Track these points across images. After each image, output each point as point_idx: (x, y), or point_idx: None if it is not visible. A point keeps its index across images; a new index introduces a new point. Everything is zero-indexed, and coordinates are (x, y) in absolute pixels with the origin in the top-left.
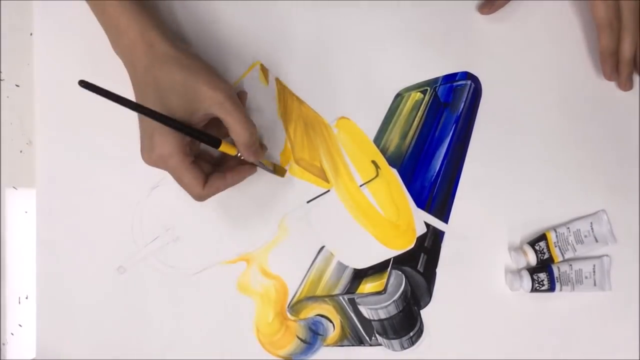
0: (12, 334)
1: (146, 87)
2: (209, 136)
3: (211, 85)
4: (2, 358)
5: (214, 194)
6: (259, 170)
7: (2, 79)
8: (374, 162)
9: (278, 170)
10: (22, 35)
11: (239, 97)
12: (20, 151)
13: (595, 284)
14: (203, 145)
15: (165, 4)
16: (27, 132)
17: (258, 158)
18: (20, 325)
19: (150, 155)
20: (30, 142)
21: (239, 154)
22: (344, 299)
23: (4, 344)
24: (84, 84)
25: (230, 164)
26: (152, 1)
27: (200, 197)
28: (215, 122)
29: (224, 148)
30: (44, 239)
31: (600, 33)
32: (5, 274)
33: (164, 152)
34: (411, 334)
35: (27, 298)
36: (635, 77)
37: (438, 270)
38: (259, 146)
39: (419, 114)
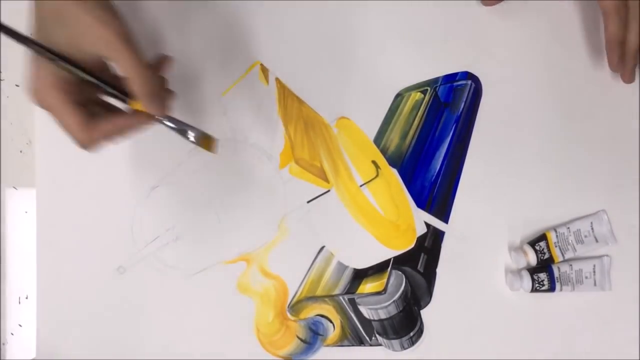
0: (12, 334)
1: (40, 21)
2: (117, 87)
3: (103, 22)
4: (2, 358)
5: (100, 140)
6: (260, 170)
7: (2, 79)
8: (374, 162)
9: (203, 141)
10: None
11: (161, 61)
12: (20, 151)
13: (595, 284)
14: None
15: (165, 4)
16: (27, 132)
17: (160, 110)
18: (20, 325)
19: (31, 86)
20: (30, 142)
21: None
22: (344, 299)
23: (4, 344)
24: None
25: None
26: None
27: (84, 143)
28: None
29: (134, 105)
30: (44, 239)
31: (607, 20)
32: (5, 274)
33: (37, 87)
34: (411, 334)
35: (27, 298)
36: (635, 83)
37: (438, 270)
38: (162, 95)
39: (419, 114)
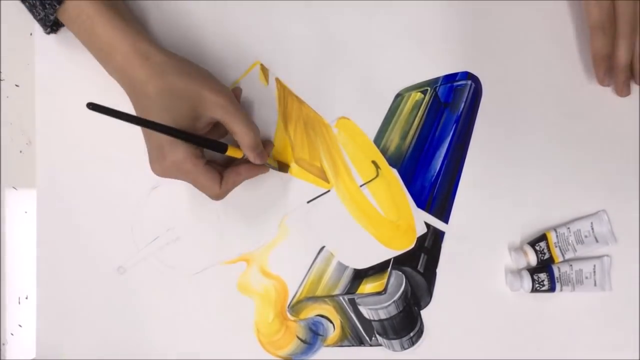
0: (12, 334)
1: (147, 100)
2: (215, 142)
3: (213, 89)
4: (2, 358)
5: (230, 190)
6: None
7: (2, 79)
8: (374, 162)
9: (282, 166)
10: (22, 35)
11: (234, 94)
12: (20, 151)
13: (595, 284)
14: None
15: (165, 5)
16: (27, 132)
17: (264, 160)
18: (20, 325)
19: (162, 165)
20: (30, 142)
21: (245, 157)
22: (344, 299)
23: (4, 344)
24: (92, 106)
25: (239, 164)
26: (135, 13)
27: (218, 196)
28: (215, 126)
29: (231, 152)
30: (44, 239)
31: (593, 36)
32: (5, 274)
33: (177, 158)
34: (411, 334)
35: (27, 298)
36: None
37: (438, 270)
38: (263, 147)
39: (419, 114)
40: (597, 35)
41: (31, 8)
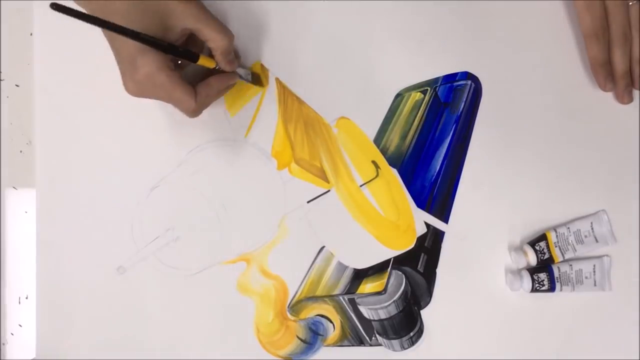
0: (12, 334)
1: (116, 16)
2: (186, 51)
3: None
4: (2, 358)
5: (205, 104)
6: (260, 170)
7: (2, 79)
8: (374, 162)
9: (256, 79)
10: (22, 35)
11: None
12: (20, 151)
13: (595, 284)
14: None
15: None
16: (27, 132)
17: (234, 66)
18: (20, 325)
19: (135, 78)
20: (30, 142)
21: (217, 67)
22: (344, 299)
23: (4, 344)
24: (55, 6)
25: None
26: None
27: (194, 111)
28: (190, 41)
29: (203, 61)
30: (44, 239)
31: (588, 44)
32: (5, 274)
33: (150, 69)
34: (411, 334)
35: (27, 298)
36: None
37: (438, 270)
38: (235, 55)
39: (419, 114)
40: (591, 43)
41: None
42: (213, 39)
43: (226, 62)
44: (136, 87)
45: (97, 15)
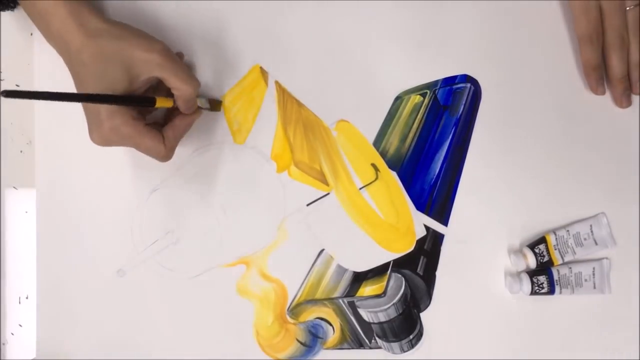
0: (12, 334)
1: (82, 67)
2: (143, 98)
3: (145, 48)
4: (2, 358)
5: (174, 147)
6: (259, 173)
7: (2, 79)
8: (373, 165)
9: (213, 105)
10: (22, 35)
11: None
12: (20, 151)
13: (594, 287)
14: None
15: (165, 6)
16: (27, 132)
17: (192, 109)
18: (20, 325)
19: (101, 132)
20: (30, 142)
21: (175, 105)
22: (343, 302)
23: (4, 344)
24: (6, 93)
25: (172, 117)
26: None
27: (165, 156)
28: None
29: (160, 103)
30: (44, 239)
31: (582, 47)
32: (5, 274)
33: (115, 123)
34: (411, 336)
35: (27, 298)
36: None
37: (438, 273)
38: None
39: (419, 116)
40: (585, 46)
41: None
42: (178, 88)
43: (187, 108)
44: (102, 139)
45: (67, 65)
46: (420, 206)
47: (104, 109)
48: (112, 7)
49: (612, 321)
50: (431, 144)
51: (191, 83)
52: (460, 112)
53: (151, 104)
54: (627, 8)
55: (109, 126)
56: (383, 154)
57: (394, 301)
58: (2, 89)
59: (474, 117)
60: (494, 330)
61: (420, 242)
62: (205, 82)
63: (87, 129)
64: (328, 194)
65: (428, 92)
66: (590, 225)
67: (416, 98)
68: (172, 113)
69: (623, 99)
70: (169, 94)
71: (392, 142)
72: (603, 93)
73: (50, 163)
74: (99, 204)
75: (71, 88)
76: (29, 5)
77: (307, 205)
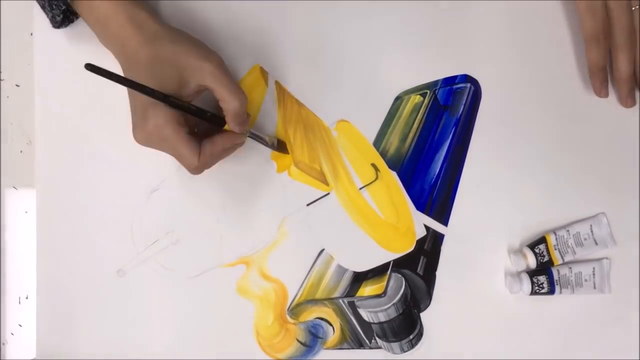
0: (12, 334)
1: (138, 67)
2: (214, 115)
3: (201, 56)
4: (2, 358)
5: (208, 163)
6: (259, 173)
7: (2, 79)
8: (373, 165)
9: (281, 146)
10: (22, 35)
11: None
12: (20, 151)
13: (595, 287)
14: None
15: (164, 6)
16: (27, 132)
17: (243, 128)
18: (20, 325)
19: (143, 128)
20: (30, 142)
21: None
22: (343, 301)
23: (4, 344)
24: (90, 67)
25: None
26: None
27: (196, 169)
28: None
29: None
30: (44, 239)
31: (588, 48)
32: (5, 274)
33: (159, 122)
34: (411, 336)
35: (27, 298)
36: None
37: (438, 273)
38: (247, 116)
39: (419, 116)
40: (592, 47)
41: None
42: (225, 100)
43: (236, 124)
44: (144, 137)
45: (123, 67)
46: (420, 206)
47: (151, 106)
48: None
49: (612, 321)
50: (431, 144)
51: (238, 96)
52: (460, 112)
53: (220, 124)
54: (634, 8)
55: (153, 123)
56: (383, 154)
57: (394, 301)
58: (1, 88)
59: (474, 117)
60: (494, 330)
61: (420, 242)
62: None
63: (87, 130)
64: (328, 194)
65: (428, 92)
66: (590, 225)
67: (416, 98)
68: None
69: (628, 99)
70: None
71: (392, 142)
72: (606, 96)
73: (50, 163)
74: (99, 204)
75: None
76: (86, 11)
77: (307, 205)
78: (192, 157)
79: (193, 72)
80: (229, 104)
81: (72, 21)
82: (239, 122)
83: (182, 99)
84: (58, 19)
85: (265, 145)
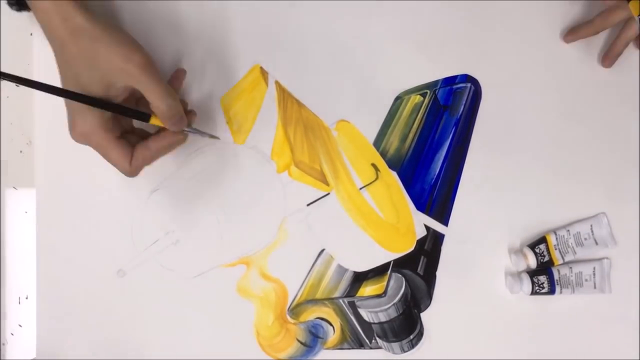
0: (12, 334)
1: (65, 64)
2: (136, 111)
3: (123, 57)
4: (2, 358)
5: (141, 166)
6: (259, 173)
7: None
8: (373, 165)
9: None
10: (22, 35)
11: (177, 75)
12: (20, 151)
13: (595, 287)
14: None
15: (164, 6)
16: (27, 132)
17: (181, 127)
18: (20, 325)
19: (75, 132)
20: (30, 142)
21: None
22: (344, 301)
23: (4, 344)
24: (3, 75)
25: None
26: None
27: (129, 173)
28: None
29: (154, 121)
30: (44, 239)
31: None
32: (5, 274)
33: (84, 130)
34: (411, 336)
35: (27, 298)
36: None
37: (438, 273)
38: (182, 115)
39: (419, 116)
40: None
41: None
42: (152, 103)
43: (170, 124)
44: (77, 139)
45: (55, 57)
46: (421, 206)
47: (77, 113)
48: (113, 8)
49: (612, 321)
50: (431, 144)
51: (165, 99)
52: (461, 112)
53: (145, 119)
54: None
55: (80, 131)
56: (383, 154)
57: (395, 301)
58: (1, 88)
59: (474, 117)
60: (495, 330)
61: (421, 242)
62: (205, 82)
63: None
64: (328, 194)
65: (428, 92)
66: (591, 225)
67: (416, 98)
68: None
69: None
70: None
71: (393, 142)
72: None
73: (50, 163)
74: (99, 204)
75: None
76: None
77: (308, 205)
78: (123, 162)
79: (116, 75)
80: (157, 108)
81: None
82: (172, 122)
83: (113, 99)
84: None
85: (205, 135)
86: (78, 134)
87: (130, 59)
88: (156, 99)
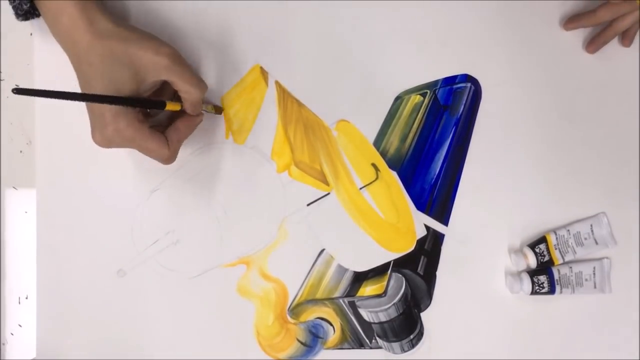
0: (12, 334)
1: (89, 67)
2: (152, 101)
3: (154, 51)
4: (2, 358)
5: (177, 149)
6: (259, 173)
7: (2, 79)
8: (373, 164)
9: (217, 109)
10: (22, 35)
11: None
12: (20, 151)
13: (595, 287)
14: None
15: (165, 6)
16: (27, 132)
17: (200, 110)
18: (20, 325)
19: (104, 133)
20: (30, 142)
21: (182, 108)
22: (344, 301)
23: (4, 344)
24: (17, 91)
25: (175, 120)
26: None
27: (168, 158)
28: (163, 87)
29: (170, 107)
30: (44, 239)
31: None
32: (5, 274)
33: (119, 126)
34: (411, 336)
35: (27, 298)
36: (634, 85)
37: (438, 272)
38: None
39: (419, 116)
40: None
41: None
42: (187, 91)
43: (193, 110)
44: (105, 140)
45: (73, 63)
46: (421, 206)
47: (108, 110)
48: (113, 8)
49: (612, 320)
50: (431, 144)
51: (199, 86)
52: (461, 112)
53: (161, 107)
54: None
55: (113, 128)
56: (383, 154)
57: (395, 301)
58: (1, 89)
59: (474, 116)
60: (495, 330)
61: (421, 242)
62: (205, 82)
63: (87, 129)
64: (328, 193)
65: (428, 92)
66: (591, 225)
67: (416, 98)
68: (175, 116)
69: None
70: (173, 97)
71: (393, 142)
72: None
73: (50, 163)
74: (99, 204)
75: (71, 88)
76: (40, 3)
77: (308, 205)
78: (162, 149)
79: (148, 69)
80: (191, 95)
81: (37, 15)
82: (196, 108)
83: (139, 95)
84: (25, 7)
85: (209, 113)
86: (111, 132)
87: (162, 52)
88: (191, 88)
